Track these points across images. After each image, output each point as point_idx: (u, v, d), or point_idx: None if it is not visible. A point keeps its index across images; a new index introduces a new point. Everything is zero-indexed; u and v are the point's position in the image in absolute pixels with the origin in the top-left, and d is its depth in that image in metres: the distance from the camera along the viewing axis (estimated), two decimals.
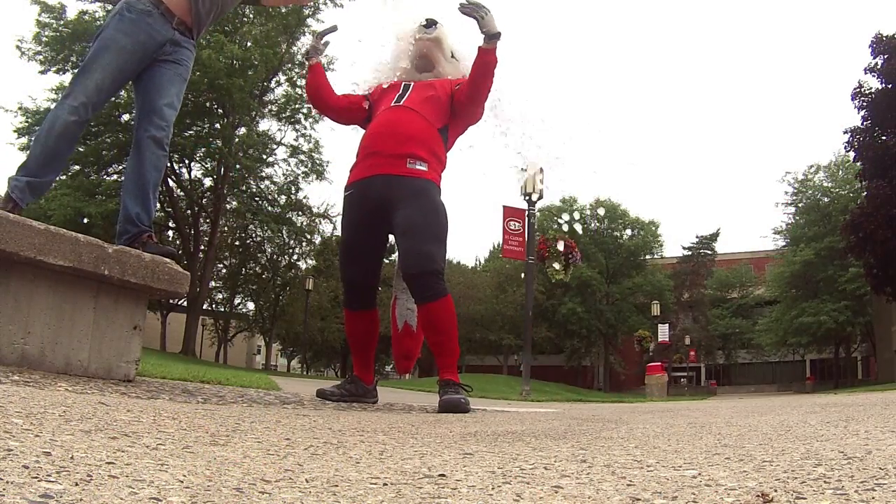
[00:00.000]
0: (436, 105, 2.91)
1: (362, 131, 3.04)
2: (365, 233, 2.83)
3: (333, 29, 3.18)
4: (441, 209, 2.79)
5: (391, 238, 2.97)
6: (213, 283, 29.90)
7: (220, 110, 23.23)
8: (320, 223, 28.56)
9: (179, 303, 25.62)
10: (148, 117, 2.62)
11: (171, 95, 2.66)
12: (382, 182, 2.74)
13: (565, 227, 13.16)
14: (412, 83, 2.97)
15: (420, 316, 2.78)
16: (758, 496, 0.82)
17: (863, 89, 20.76)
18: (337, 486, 0.86)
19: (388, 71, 3.08)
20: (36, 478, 0.71)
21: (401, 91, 2.95)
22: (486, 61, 2.83)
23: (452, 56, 3.11)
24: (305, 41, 24.72)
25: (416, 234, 2.69)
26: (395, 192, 2.72)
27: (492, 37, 2.80)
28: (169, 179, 24.73)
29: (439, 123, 2.91)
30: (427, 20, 3.05)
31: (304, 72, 3.16)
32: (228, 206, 25.78)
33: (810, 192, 34.44)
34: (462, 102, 2.93)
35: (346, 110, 3.08)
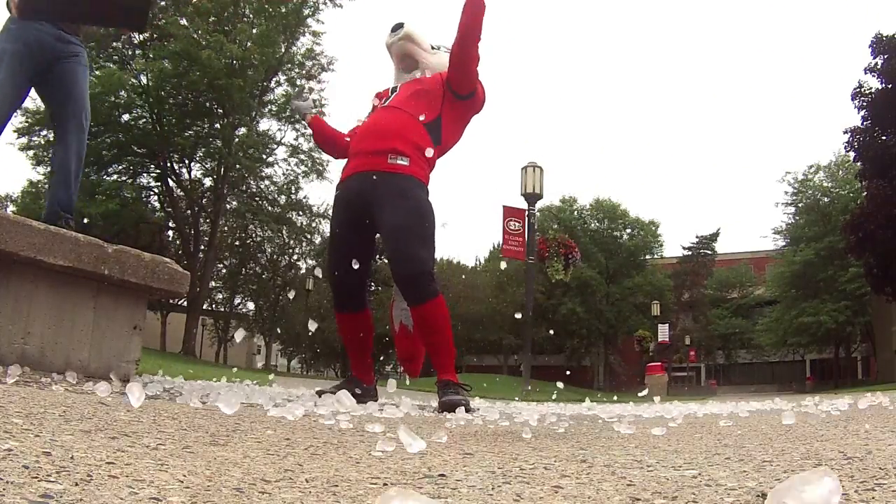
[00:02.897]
0: (422, 98, 2.89)
1: None
2: (352, 233, 2.81)
3: (303, 90, 3.32)
4: (426, 208, 2.76)
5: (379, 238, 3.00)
6: (213, 283, 29.91)
7: (220, 110, 23.23)
8: (320, 223, 28.58)
9: (179, 303, 25.62)
10: (68, 107, 2.80)
11: (83, 85, 2.87)
12: (364, 180, 2.73)
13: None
14: (399, 84, 3.01)
15: (414, 317, 2.78)
16: (758, 496, 0.82)
17: (863, 89, 20.76)
18: (337, 486, 0.86)
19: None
20: (36, 478, 0.71)
21: (390, 93, 3.01)
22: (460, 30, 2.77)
23: (433, 47, 3.07)
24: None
25: (403, 237, 2.66)
26: (378, 190, 2.70)
27: None
28: (169, 179, 24.76)
29: (426, 116, 2.86)
30: (393, 25, 3.06)
31: (305, 123, 3.25)
32: (228, 206, 25.78)
33: (810, 192, 34.45)
34: (452, 54, 2.86)
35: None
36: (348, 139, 3.09)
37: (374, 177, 2.71)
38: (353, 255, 2.81)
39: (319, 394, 2.75)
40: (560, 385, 5.38)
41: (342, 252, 2.80)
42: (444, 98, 2.91)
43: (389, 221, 2.69)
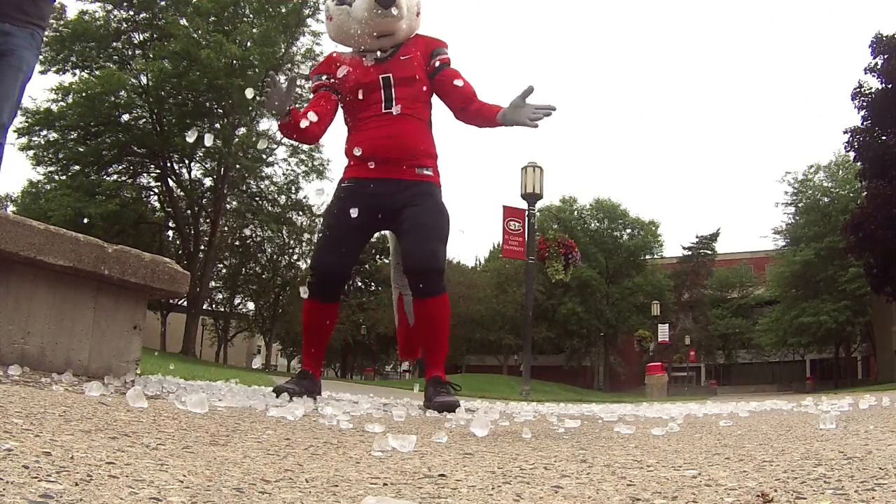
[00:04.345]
0: (423, 96, 2.86)
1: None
2: (356, 226, 2.75)
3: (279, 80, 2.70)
4: (445, 212, 2.82)
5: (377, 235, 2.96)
6: (213, 283, 29.93)
7: (220, 110, 23.24)
8: (320, 223, 28.59)
9: (179, 303, 25.63)
10: None
11: (3, 86, 2.66)
12: (389, 185, 2.71)
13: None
14: (391, 74, 2.79)
15: (417, 311, 2.78)
16: (758, 496, 0.82)
17: (863, 89, 20.73)
18: (337, 486, 0.86)
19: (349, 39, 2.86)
20: (36, 478, 0.71)
21: (382, 86, 2.77)
22: (492, 124, 2.84)
23: None
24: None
25: (422, 233, 2.69)
26: (401, 194, 2.72)
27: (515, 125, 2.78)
28: (169, 179, 24.78)
29: (429, 116, 2.91)
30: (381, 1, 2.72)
31: (283, 120, 2.70)
32: (228, 207, 25.79)
33: (810, 192, 34.41)
34: (452, 108, 2.91)
35: (327, 123, 2.89)
36: (323, 86, 2.85)
37: (400, 184, 2.72)
38: (350, 246, 2.78)
39: (276, 390, 2.70)
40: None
41: (340, 241, 2.75)
42: (430, 87, 2.90)
43: (413, 217, 2.70)
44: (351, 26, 2.80)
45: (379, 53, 2.85)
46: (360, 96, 2.80)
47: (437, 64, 2.90)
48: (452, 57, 2.96)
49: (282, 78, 2.69)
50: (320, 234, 2.86)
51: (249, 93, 3.39)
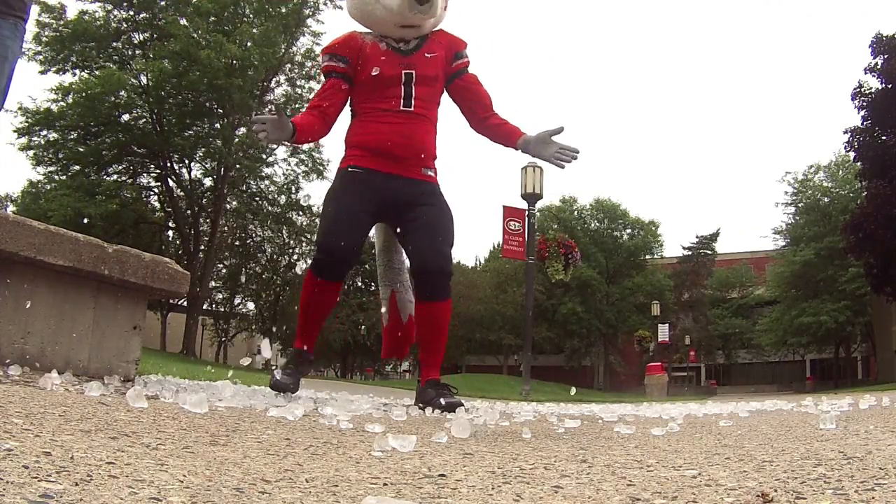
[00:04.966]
0: (437, 97, 2.83)
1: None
2: (365, 208, 2.68)
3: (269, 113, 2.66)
4: (452, 216, 2.80)
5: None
6: (213, 283, 29.93)
7: (220, 110, 23.23)
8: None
9: (179, 303, 25.62)
10: None
11: None
12: (397, 180, 2.67)
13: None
14: (414, 71, 2.71)
15: (421, 313, 2.73)
16: (758, 496, 0.82)
17: (863, 89, 20.73)
18: (337, 486, 0.86)
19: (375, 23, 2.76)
20: (36, 478, 0.71)
21: (404, 81, 2.70)
22: (509, 146, 2.86)
23: None
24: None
25: (437, 234, 2.66)
26: (408, 190, 2.68)
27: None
28: (169, 179, 24.78)
29: (437, 116, 2.86)
30: None
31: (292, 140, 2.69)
32: (228, 207, 25.79)
33: (810, 192, 34.43)
34: (470, 117, 2.90)
35: (334, 119, 2.83)
36: (325, 110, 2.75)
37: (407, 181, 2.69)
38: (360, 227, 2.71)
39: (274, 387, 2.67)
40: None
41: (352, 220, 2.67)
42: (443, 88, 2.88)
43: (424, 217, 2.67)
44: (376, 10, 2.70)
45: (402, 45, 2.76)
46: (378, 87, 2.70)
47: (459, 67, 2.85)
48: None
49: (263, 115, 2.61)
50: (325, 215, 2.78)
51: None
